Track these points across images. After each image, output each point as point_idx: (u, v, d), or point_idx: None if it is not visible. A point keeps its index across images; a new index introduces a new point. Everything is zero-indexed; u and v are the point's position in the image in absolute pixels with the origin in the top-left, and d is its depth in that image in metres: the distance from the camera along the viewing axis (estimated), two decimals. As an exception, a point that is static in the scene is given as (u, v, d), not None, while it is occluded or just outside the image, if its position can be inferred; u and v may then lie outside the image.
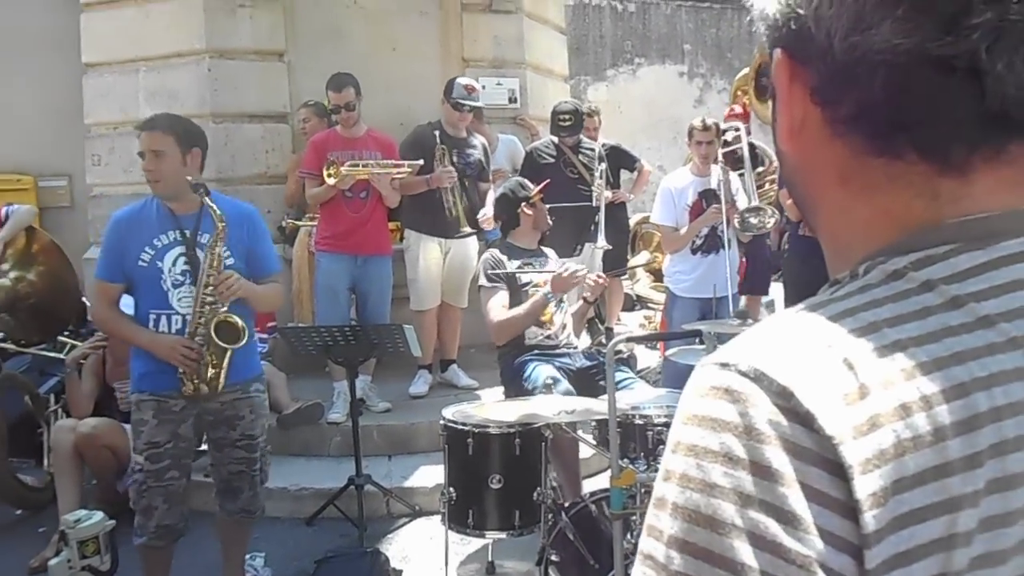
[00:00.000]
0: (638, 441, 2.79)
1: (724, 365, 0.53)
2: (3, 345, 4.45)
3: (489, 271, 3.70)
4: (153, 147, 2.86)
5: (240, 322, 2.90)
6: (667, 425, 2.78)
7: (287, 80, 5.56)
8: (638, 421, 2.84)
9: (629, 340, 3.11)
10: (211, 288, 2.84)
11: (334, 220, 4.65)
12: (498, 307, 3.60)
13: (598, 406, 2.63)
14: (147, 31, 5.54)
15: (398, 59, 5.85)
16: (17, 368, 4.55)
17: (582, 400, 2.72)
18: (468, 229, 4.90)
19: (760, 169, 5.34)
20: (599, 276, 3.66)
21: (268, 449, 3.24)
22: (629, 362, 4.78)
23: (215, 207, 2.85)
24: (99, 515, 3.05)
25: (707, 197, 4.53)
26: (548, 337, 3.65)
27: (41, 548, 3.60)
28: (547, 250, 3.91)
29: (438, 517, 3.89)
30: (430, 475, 4.18)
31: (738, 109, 5.92)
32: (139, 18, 5.57)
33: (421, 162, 4.67)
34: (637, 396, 3.17)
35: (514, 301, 3.62)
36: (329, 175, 4.36)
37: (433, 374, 5.09)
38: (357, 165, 4.45)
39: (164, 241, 2.86)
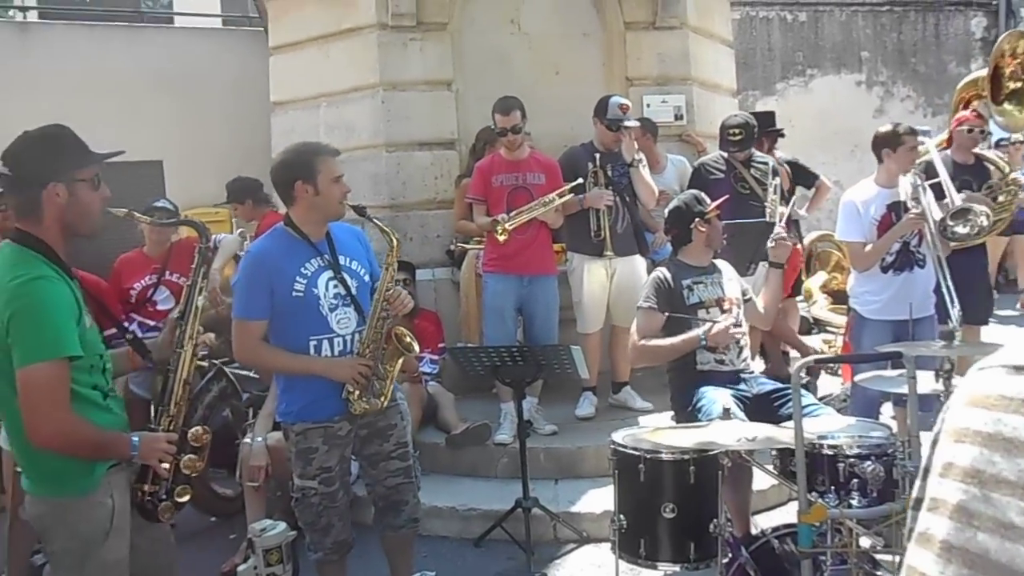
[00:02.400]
0: (827, 473, 2.56)
1: (1020, 368, 0.41)
2: (202, 363, 4.79)
3: (648, 292, 3.57)
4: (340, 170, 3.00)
5: (408, 334, 2.96)
6: (860, 457, 2.55)
7: (455, 108, 5.71)
8: (826, 451, 2.60)
9: (818, 362, 2.87)
10: (385, 304, 2.91)
11: (499, 242, 4.69)
12: (646, 329, 3.46)
13: (781, 434, 2.44)
14: (327, 69, 5.90)
15: (562, 82, 5.86)
16: (215, 384, 4.89)
17: (763, 427, 2.53)
18: (611, 253, 4.73)
19: (991, 182, 4.80)
20: (782, 237, 3.45)
21: (418, 455, 3.26)
22: (809, 388, 4.47)
23: (384, 226, 3.00)
24: (282, 525, 3.19)
25: (896, 210, 4.15)
26: (721, 362, 3.46)
27: (231, 554, 3.83)
28: (721, 264, 3.69)
29: (606, 544, 3.78)
30: (598, 500, 4.09)
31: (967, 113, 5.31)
32: (319, 58, 5.94)
33: (580, 180, 4.63)
34: (824, 424, 2.92)
35: (677, 324, 3.46)
36: (498, 233, 4.40)
37: (599, 396, 4.99)
38: (520, 214, 4.47)
39: (312, 268, 2.90)
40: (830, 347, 6.97)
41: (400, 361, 2.96)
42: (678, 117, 6.06)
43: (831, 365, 6.39)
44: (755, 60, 11.54)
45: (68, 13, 9.58)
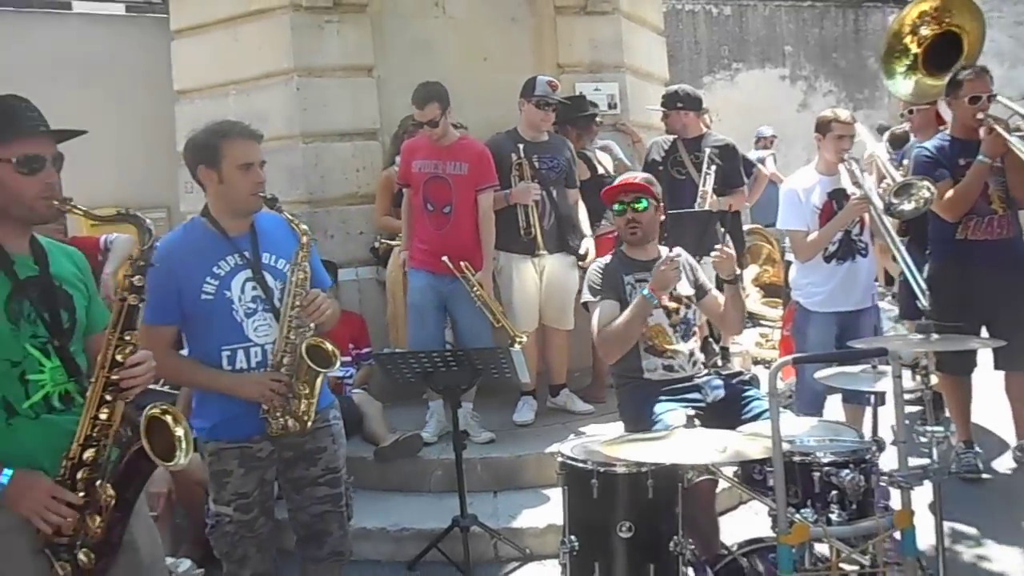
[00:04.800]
0: (800, 484, 2.33)
1: None
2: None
3: (591, 283, 3.31)
4: (260, 157, 2.61)
5: (329, 345, 2.59)
6: (836, 465, 2.32)
7: (376, 95, 5.34)
8: (797, 459, 2.37)
9: (796, 361, 2.64)
10: (298, 310, 2.55)
11: (419, 236, 4.36)
12: (607, 319, 3.19)
13: (752, 446, 2.18)
14: (236, 54, 5.44)
15: (490, 68, 5.57)
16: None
17: (731, 437, 2.28)
18: (544, 251, 4.48)
19: None
20: (721, 248, 3.19)
21: (351, 481, 2.93)
22: (753, 383, 4.29)
23: (292, 218, 2.62)
24: (186, 563, 2.80)
25: (837, 198, 4.01)
26: (670, 368, 3.22)
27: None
28: (669, 252, 3.38)
29: (551, 561, 3.53)
30: (540, 513, 3.82)
31: None
32: (228, 41, 5.48)
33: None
34: (786, 428, 2.69)
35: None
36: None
37: (537, 400, 4.71)
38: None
39: (226, 268, 2.55)
40: (767, 340, 6.89)
41: (321, 379, 2.58)
42: (611, 106, 5.83)
43: (766, 360, 6.30)
44: (682, 53, 11.50)
45: (-51, -4, 8.75)
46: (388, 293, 4.91)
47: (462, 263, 4.21)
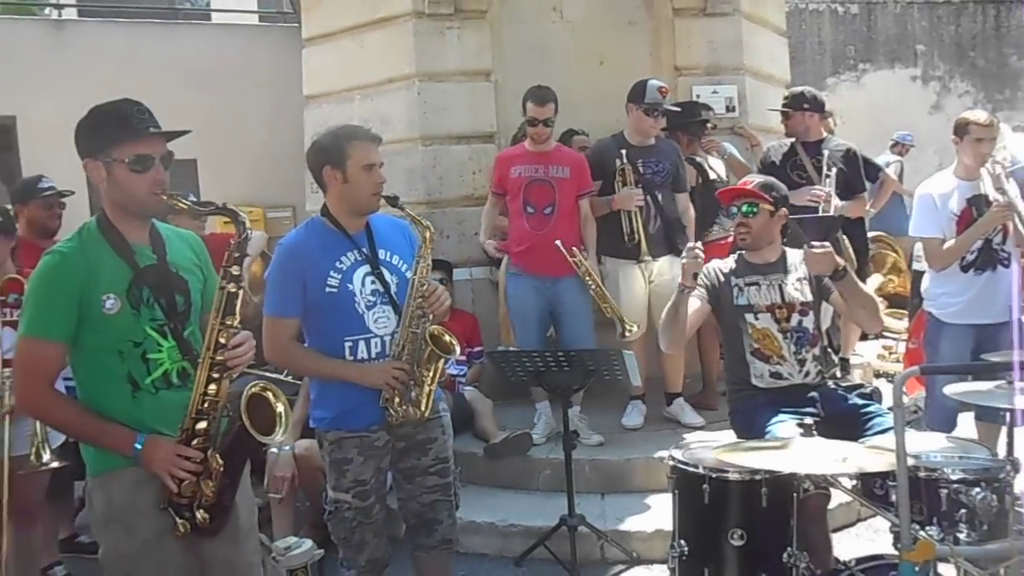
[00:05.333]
0: (925, 501, 2.23)
1: None
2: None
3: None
4: (380, 159, 2.74)
5: (448, 335, 2.69)
6: (966, 483, 2.21)
7: (494, 100, 5.44)
8: (922, 474, 2.27)
9: (924, 372, 2.53)
10: (419, 301, 2.65)
11: (517, 238, 4.41)
12: None
13: (873, 457, 2.11)
14: (361, 60, 5.67)
15: (606, 72, 5.57)
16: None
17: (851, 448, 2.21)
18: (648, 257, 4.44)
19: None
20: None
21: (459, 472, 3.01)
22: (875, 397, 4.11)
23: (416, 216, 2.75)
24: (308, 543, 2.93)
25: (977, 204, 3.80)
26: (777, 375, 3.13)
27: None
28: (797, 257, 3.29)
29: (658, 566, 3.51)
30: (648, 518, 3.80)
31: None
32: (354, 48, 5.72)
33: None
34: (912, 444, 2.57)
35: (727, 323, 3.18)
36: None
37: (647, 405, 4.68)
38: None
39: (347, 263, 2.67)
40: (890, 353, 6.59)
41: (440, 364, 2.68)
42: (730, 109, 5.72)
43: (888, 373, 6.02)
44: (804, 54, 11.11)
45: (104, 11, 9.51)
46: (500, 293, 4.99)
47: (573, 247, 4.23)
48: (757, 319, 3.19)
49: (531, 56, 5.50)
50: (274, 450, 3.75)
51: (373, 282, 2.67)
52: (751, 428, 3.05)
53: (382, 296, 2.68)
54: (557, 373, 3.30)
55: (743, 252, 3.34)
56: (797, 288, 3.23)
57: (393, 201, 2.74)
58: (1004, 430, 2.61)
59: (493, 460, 4.25)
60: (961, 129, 3.85)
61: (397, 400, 2.64)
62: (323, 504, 3.65)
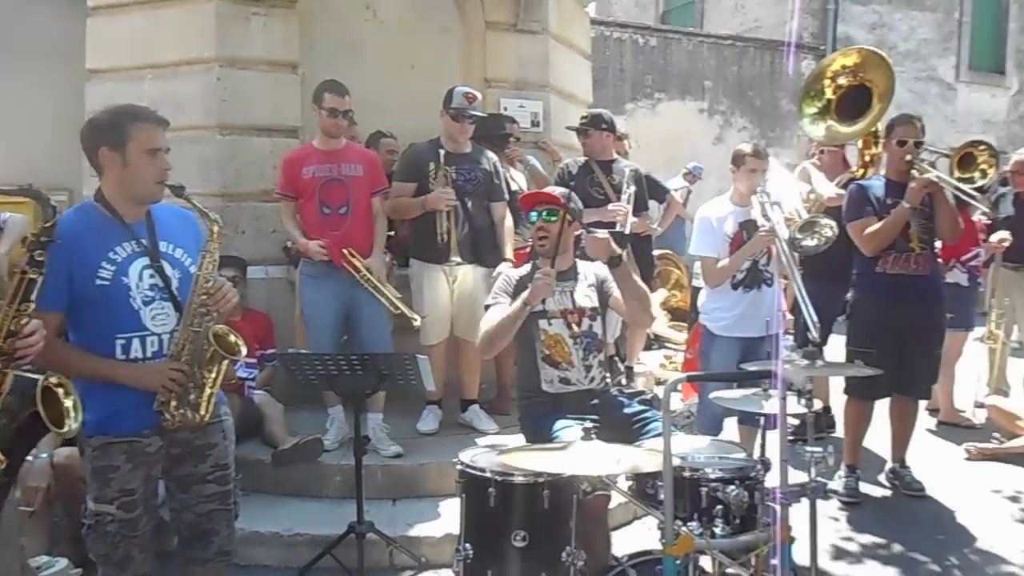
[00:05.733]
0: (688, 498, 2.41)
1: None
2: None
3: (497, 289, 3.38)
4: (166, 144, 2.53)
5: (235, 336, 2.54)
6: (723, 481, 2.41)
7: (299, 93, 5.26)
8: (687, 474, 2.46)
9: (689, 380, 2.73)
10: (204, 297, 2.48)
11: (313, 238, 4.27)
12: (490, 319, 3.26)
13: (646, 459, 2.25)
14: (156, 37, 5.28)
15: (417, 77, 5.58)
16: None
17: (626, 450, 2.34)
18: (457, 259, 4.50)
19: None
20: (597, 232, 3.25)
21: (239, 478, 2.86)
22: (653, 404, 4.40)
23: (203, 208, 2.56)
24: (63, 563, 2.67)
25: (748, 228, 4.19)
26: (566, 381, 3.27)
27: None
28: (587, 269, 3.46)
29: (446, 571, 3.52)
30: (439, 523, 3.81)
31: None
32: (148, 24, 5.31)
33: None
34: (679, 446, 2.78)
35: (526, 334, 3.27)
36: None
37: (443, 410, 4.71)
38: None
39: (123, 254, 2.45)
40: (671, 363, 7.09)
41: (224, 366, 2.53)
42: (535, 123, 5.93)
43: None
44: (607, 79, 11.75)
45: None
46: (297, 294, 4.82)
47: (344, 250, 4.16)
48: (550, 325, 3.30)
49: (342, 53, 5.38)
50: (29, 458, 3.37)
51: (152, 276, 2.47)
52: (539, 433, 3.15)
53: (161, 291, 2.48)
54: (350, 377, 3.23)
55: (537, 261, 3.45)
56: (587, 295, 3.39)
57: (179, 191, 2.54)
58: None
59: (281, 467, 4.09)
60: (738, 160, 4.24)
61: (174, 403, 2.45)
62: (83, 518, 3.34)
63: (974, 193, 4.38)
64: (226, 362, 2.51)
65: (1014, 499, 4.57)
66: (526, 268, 3.48)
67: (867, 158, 5.23)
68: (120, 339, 2.43)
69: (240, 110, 5.16)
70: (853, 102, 4.54)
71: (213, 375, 2.51)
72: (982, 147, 4.49)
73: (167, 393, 2.44)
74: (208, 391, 2.51)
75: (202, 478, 2.59)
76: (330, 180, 4.26)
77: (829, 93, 4.61)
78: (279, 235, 5.17)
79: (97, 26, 5.57)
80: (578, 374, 3.29)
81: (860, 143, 5.16)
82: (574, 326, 3.32)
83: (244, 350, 2.56)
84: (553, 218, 3.34)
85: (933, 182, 4.17)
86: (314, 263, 4.26)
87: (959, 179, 4.29)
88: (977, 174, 4.37)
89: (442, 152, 4.50)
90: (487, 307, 3.36)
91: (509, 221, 4.78)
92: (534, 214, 3.40)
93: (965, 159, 4.37)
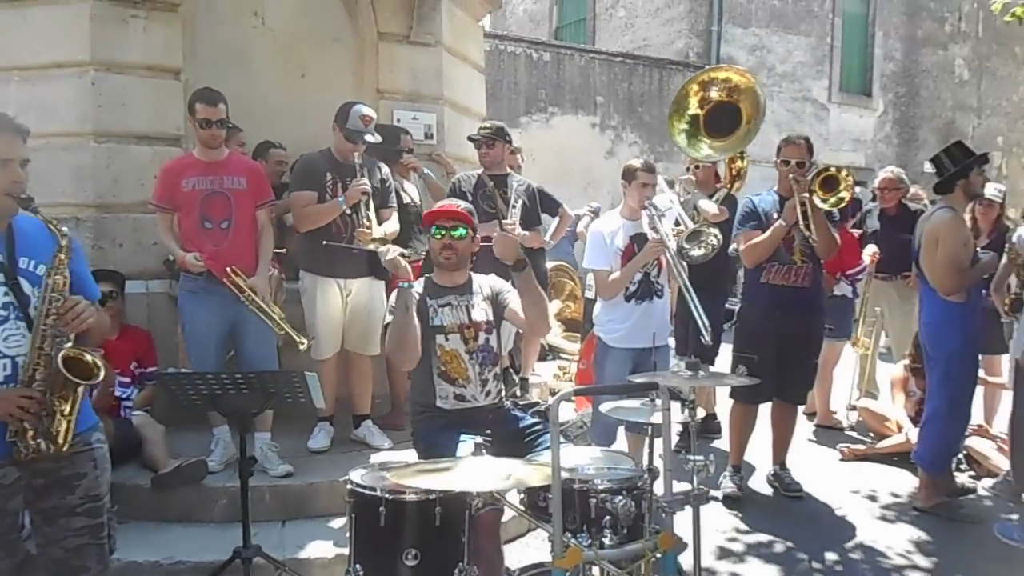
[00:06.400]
0: (578, 510, 2.44)
1: None
2: None
3: (392, 305, 3.32)
4: (23, 155, 2.36)
5: (91, 357, 2.37)
6: (611, 492, 2.46)
7: (182, 100, 5.05)
8: (576, 486, 2.49)
9: (577, 393, 2.76)
10: (53, 318, 2.32)
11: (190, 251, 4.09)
12: None
13: (534, 473, 2.26)
14: (22, 37, 4.95)
15: (308, 86, 5.48)
16: None
17: (514, 464, 2.34)
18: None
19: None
20: (504, 228, 3.24)
21: (115, 511, 2.69)
22: (547, 415, 4.44)
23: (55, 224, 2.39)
24: (-90, 605, 2.43)
25: (638, 241, 4.31)
26: (461, 398, 3.26)
27: None
28: (483, 282, 3.45)
29: (338, 594, 3.44)
30: (330, 544, 3.72)
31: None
32: (14, 21, 4.97)
33: None
34: (570, 457, 2.82)
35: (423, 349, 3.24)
36: None
37: (335, 427, 4.61)
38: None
39: None
40: (564, 373, 7.18)
41: (80, 393, 2.36)
42: (428, 136, 5.91)
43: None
44: (501, 92, 11.87)
45: None
46: (180, 309, 4.62)
47: (228, 268, 4.02)
48: (448, 340, 3.28)
49: (227, 60, 5.22)
50: None
51: (6, 294, 2.30)
52: (433, 450, 3.12)
53: (16, 310, 2.31)
54: (235, 396, 3.10)
55: (432, 276, 3.43)
56: (483, 308, 3.39)
57: (25, 203, 2.38)
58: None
59: (162, 492, 3.90)
60: (629, 175, 4.35)
61: (31, 432, 2.28)
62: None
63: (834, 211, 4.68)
64: (82, 388, 2.35)
65: (884, 496, 4.87)
66: (420, 283, 3.44)
67: (734, 171, 5.52)
68: None
69: (117, 117, 4.91)
70: (719, 119, 4.72)
71: (69, 403, 2.33)
72: (839, 170, 4.79)
73: (17, 423, 2.27)
74: (64, 420, 2.33)
75: (70, 510, 2.42)
76: (211, 193, 4.09)
77: (695, 108, 4.74)
78: (160, 248, 4.94)
79: (-44, 22, 5.19)
80: (474, 389, 3.28)
81: (726, 159, 5.41)
82: (470, 341, 3.31)
83: (102, 372, 2.40)
84: (464, 233, 3.33)
85: (803, 201, 4.42)
86: (194, 277, 4.08)
87: (822, 200, 4.57)
88: (844, 193, 4.66)
89: (335, 166, 4.42)
90: (385, 327, 3.29)
91: (395, 225, 4.68)
92: (437, 228, 3.37)
93: (827, 181, 4.67)
